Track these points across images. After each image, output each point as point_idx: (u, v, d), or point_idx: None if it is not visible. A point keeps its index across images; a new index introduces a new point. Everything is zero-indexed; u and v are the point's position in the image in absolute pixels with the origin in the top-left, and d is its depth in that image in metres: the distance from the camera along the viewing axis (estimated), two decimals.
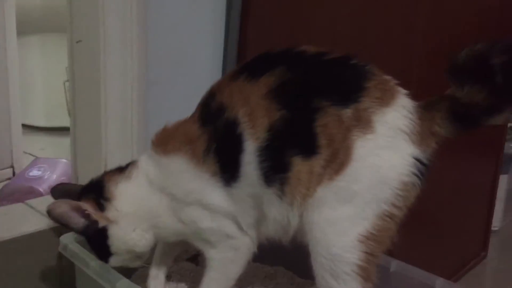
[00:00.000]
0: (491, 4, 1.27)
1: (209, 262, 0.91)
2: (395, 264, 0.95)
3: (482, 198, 1.62)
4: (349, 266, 0.78)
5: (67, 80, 1.20)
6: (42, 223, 1.08)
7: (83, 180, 1.25)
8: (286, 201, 0.81)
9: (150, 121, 1.23)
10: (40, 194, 1.43)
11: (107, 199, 0.89)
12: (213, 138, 0.83)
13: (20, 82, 1.82)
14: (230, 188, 0.83)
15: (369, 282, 0.80)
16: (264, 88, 0.80)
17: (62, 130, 2.17)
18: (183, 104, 1.28)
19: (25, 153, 1.94)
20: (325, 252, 0.79)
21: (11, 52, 1.75)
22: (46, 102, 2.49)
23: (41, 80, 2.48)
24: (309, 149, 0.78)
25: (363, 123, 0.77)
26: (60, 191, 0.95)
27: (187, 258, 1.14)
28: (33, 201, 1.18)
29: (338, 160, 0.77)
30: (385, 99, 0.79)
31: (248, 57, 1.36)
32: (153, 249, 0.95)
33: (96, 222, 0.87)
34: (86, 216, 0.87)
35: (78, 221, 0.87)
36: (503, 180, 1.80)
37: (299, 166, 0.79)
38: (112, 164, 1.20)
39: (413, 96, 0.81)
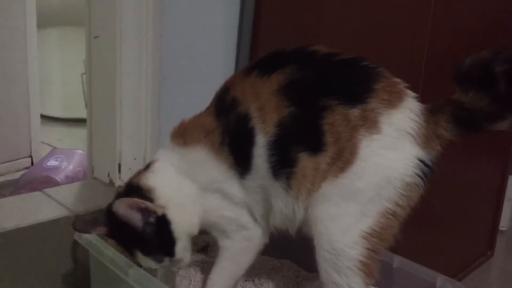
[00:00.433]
0: (497, 8, 1.27)
1: (222, 252, 0.94)
2: (398, 260, 0.97)
3: (490, 198, 1.63)
4: (351, 261, 0.80)
5: (85, 73, 1.24)
6: (58, 211, 1.11)
7: (98, 170, 1.29)
8: (292, 195, 0.84)
9: (163, 115, 1.26)
10: (57, 183, 1.48)
11: (149, 192, 0.88)
12: (227, 131, 0.86)
13: (39, 74, 1.86)
14: (244, 180, 0.87)
15: (371, 278, 0.82)
16: (275, 84, 0.82)
17: (79, 122, 2.22)
18: (196, 99, 1.31)
19: (43, 143, 1.99)
20: (329, 247, 0.81)
21: (31, 45, 1.79)
22: (64, 93, 2.54)
23: (59, 72, 2.53)
24: (315, 146, 0.80)
25: (370, 123, 0.79)
26: (81, 222, 0.91)
27: (196, 249, 1.17)
28: (50, 190, 1.22)
29: (344, 158, 0.80)
30: (393, 101, 0.80)
31: (260, 53, 1.40)
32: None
33: (154, 212, 0.86)
34: (144, 210, 0.85)
35: (137, 217, 0.85)
36: (511, 180, 1.80)
37: (305, 162, 0.81)
38: (126, 156, 1.24)
39: (419, 99, 0.83)
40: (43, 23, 2.24)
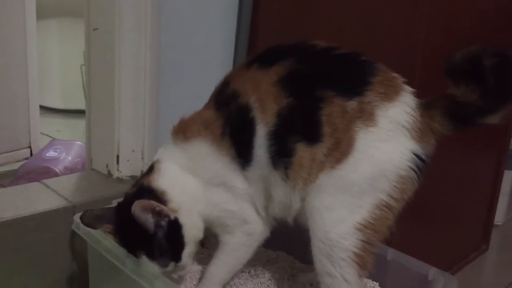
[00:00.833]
0: (492, 4, 1.28)
1: (223, 246, 0.96)
2: (391, 253, 0.98)
3: (485, 192, 1.64)
4: (345, 252, 0.82)
5: (84, 64, 1.25)
6: (56, 201, 1.12)
7: (97, 161, 1.30)
8: (290, 184, 0.85)
9: (161, 107, 1.27)
10: (55, 174, 1.49)
11: (162, 194, 0.88)
12: (228, 122, 0.87)
13: (38, 65, 1.86)
14: (246, 172, 0.88)
15: (365, 269, 0.84)
16: (274, 76, 0.84)
17: (78, 113, 2.23)
18: (194, 91, 1.33)
19: (43, 134, 2.00)
20: (323, 237, 0.82)
21: (30, 36, 1.79)
22: (63, 84, 2.54)
23: (58, 63, 2.53)
24: (313, 136, 0.82)
25: (366, 116, 0.81)
26: (89, 217, 0.91)
27: None
28: (48, 181, 1.22)
29: (340, 150, 0.81)
30: (389, 95, 0.82)
31: (259, 46, 1.40)
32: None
33: (167, 215, 0.85)
34: (158, 213, 0.84)
35: (151, 220, 0.84)
36: (508, 175, 1.81)
37: (302, 152, 0.82)
38: (124, 148, 1.25)
39: (416, 94, 0.84)
40: (42, 13, 2.24)
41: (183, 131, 0.91)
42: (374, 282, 1.02)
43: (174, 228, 0.87)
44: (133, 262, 0.88)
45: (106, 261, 0.92)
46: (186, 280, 1.04)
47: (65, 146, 1.57)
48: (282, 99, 0.83)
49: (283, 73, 0.84)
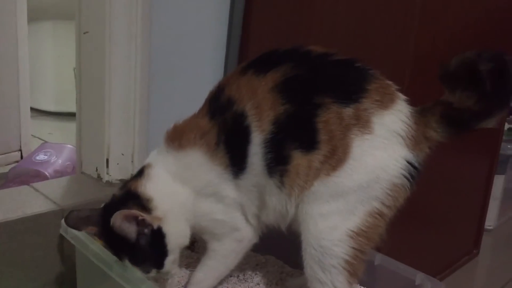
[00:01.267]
0: (482, 12, 1.29)
1: (211, 253, 0.95)
2: (379, 258, 0.98)
3: (476, 196, 1.64)
4: (336, 259, 0.82)
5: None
6: (45, 205, 1.11)
7: (87, 165, 1.30)
8: (285, 192, 0.85)
9: (152, 111, 1.27)
10: (45, 178, 1.48)
11: (148, 201, 0.87)
12: (223, 130, 0.86)
13: (31, 68, 1.86)
14: (239, 180, 0.87)
15: (355, 277, 0.84)
16: (271, 82, 0.83)
17: (71, 115, 2.22)
18: (185, 95, 1.33)
19: (34, 137, 1.99)
20: (315, 243, 0.82)
21: (21, 38, 1.78)
22: (56, 87, 2.54)
23: (51, 66, 2.52)
24: (309, 144, 0.82)
25: (362, 123, 0.81)
26: (74, 218, 0.90)
27: None
28: (38, 184, 1.22)
29: (336, 157, 0.81)
30: (385, 102, 0.82)
31: (250, 50, 1.41)
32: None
33: (150, 225, 0.85)
34: (140, 222, 0.84)
35: (132, 229, 0.84)
36: (500, 180, 1.83)
37: (299, 160, 0.82)
38: (114, 151, 1.25)
39: (409, 101, 0.85)
40: (36, 16, 2.24)
41: (179, 138, 0.90)
42: (362, 287, 1.02)
43: (157, 237, 0.86)
44: (120, 266, 0.87)
45: (94, 265, 0.92)
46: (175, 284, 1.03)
47: (56, 149, 1.57)
48: (279, 105, 0.82)
49: (280, 79, 0.83)
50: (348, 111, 0.81)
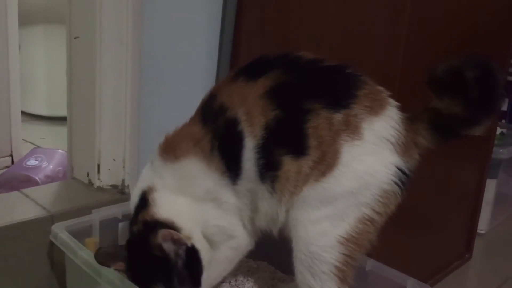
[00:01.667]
0: (472, 16, 1.29)
1: None
2: (370, 263, 0.98)
3: (468, 200, 1.65)
4: (326, 265, 0.82)
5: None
6: (35, 211, 1.10)
7: (78, 170, 1.29)
8: (276, 198, 0.85)
9: (143, 116, 1.26)
10: (36, 183, 1.47)
11: (172, 224, 0.86)
12: (216, 136, 0.86)
13: (24, 71, 1.85)
14: (236, 186, 0.87)
15: (345, 284, 0.84)
16: (261, 88, 0.84)
17: (63, 120, 2.21)
18: (176, 101, 1.33)
19: (26, 141, 1.98)
20: (305, 249, 0.82)
21: (12, 41, 1.77)
22: (48, 91, 2.52)
23: (44, 70, 2.51)
24: (299, 149, 0.82)
25: (352, 129, 0.81)
26: (102, 255, 0.87)
27: None
28: (28, 190, 1.21)
29: (326, 163, 0.81)
30: (375, 108, 0.82)
31: (242, 55, 1.41)
32: None
33: (185, 244, 0.84)
34: (176, 241, 0.82)
35: (171, 249, 0.82)
36: (492, 184, 1.83)
37: (289, 165, 0.82)
38: (105, 157, 1.24)
39: (399, 107, 0.85)
40: (28, 20, 2.23)
41: (173, 149, 0.89)
42: None
43: (192, 255, 0.85)
44: (109, 273, 0.87)
45: (84, 272, 0.92)
46: None
47: (47, 154, 1.56)
48: (269, 111, 0.82)
49: (270, 85, 0.83)
50: (338, 116, 0.80)
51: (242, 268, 1.13)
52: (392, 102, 0.85)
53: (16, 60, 1.80)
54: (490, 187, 1.82)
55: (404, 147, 0.82)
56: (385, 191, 0.81)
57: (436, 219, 1.50)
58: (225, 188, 0.88)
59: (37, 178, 1.49)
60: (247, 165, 0.85)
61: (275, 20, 1.34)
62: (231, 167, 0.86)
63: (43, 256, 1.09)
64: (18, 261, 1.06)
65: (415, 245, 1.42)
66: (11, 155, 1.78)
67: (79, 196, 1.21)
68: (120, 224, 1.08)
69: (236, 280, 1.09)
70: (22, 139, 1.90)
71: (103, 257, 0.86)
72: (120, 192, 1.25)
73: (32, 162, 1.53)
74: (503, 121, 2.24)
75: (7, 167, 1.72)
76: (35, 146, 1.82)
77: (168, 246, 0.81)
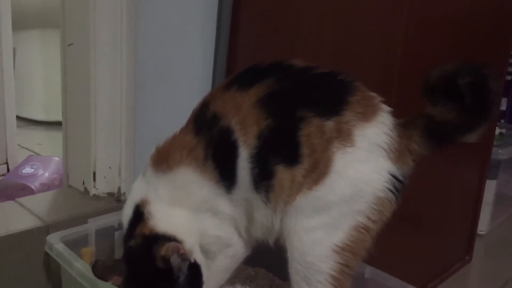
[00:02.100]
0: (470, 17, 1.29)
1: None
2: (369, 271, 0.97)
3: (468, 201, 1.64)
4: (322, 275, 0.81)
5: None
6: (30, 221, 1.09)
7: (74, 178, 1.28)
8: (270, 207, 0.84)
9: (138, 123, 1.25)
10: (32, 191, 1.46)
11: (174, 238, 0.84)
12: (210, 146, 0.85)
13: (20, 76, 1.83)
14: (231, 195, 0.86)
15: None
16: (254, 97, 0.83)
17: (60, 125, 2.20)
18: (173, 107, 1.32)
19: (22, 147, 1.97)
20: (301, 259, 0.81)
21: (5, 44, 1.75)
22: (45, 96, 2.51)
23: (40, 74, 2.50)
24: (292, 158, 0.81)
25: (344, 136, 0.80)
26: (100, 268, 0.84)
27: None
28: (23, 199, 1.20)
29: (318, 171, 0.80)
30: (367, 115, 0.81)
31: (238, 58, 1.39)
32: None
33: (189, 259, 0.82)
34: (181, 255, 0.80)
35: (176, 264, 0.80)
36: (491, 185, 1.82)
37: (282, 174, 0.81)
38: (101, 164, 1.23)
39: (393, 113, 0.84)
40: (23, 24, 2.22)
41: (165, 160, 0.87)
42: None
43: (194, 270, 0.83)
44: (105, 286, 0.86)
45: (79, 283, 0.91)
46: None
47: (42, 162, 1.55)
48: (262, 120, 0.81)
49: (263, 94, 0.82)
50: (330, 124, 0.80)
51: (240, 276, 1.12)
52: (385, 107, 0.84)
53: (10, 64, 1.78)
54: (490, 188, 1.82)
55: (398, 154, 0.81)
56: (380, 198, 0.80)
57: (436, 221, 1.49)
58: (221, 198, 0.87)
59: (32, 186, 1.48)
60: (241, 174, 0.84)
61: (271, 24, 1.33)
62: (226, 177, 0.85)
63: (39, 266, 1.08)
64: (15, 271, 1.05)
65: (415, 247, 1.41)
66: (7, 163, 1.76)
67: (75, 204, 1.20)
68: (116, 233, 1.07)
69: None
70: (19, 145, 1.88)
71: (101, 271, 0.84)
72: (116, 200, 1.24)
73: (27, 170, 1.52)
74: (502, 121, 2.23)
75: (3, 175, 1.71)
76: (31, 153, 1.81)
77: (174, 260, 0.79)
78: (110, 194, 1.25)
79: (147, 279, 0.81)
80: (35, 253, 1.07)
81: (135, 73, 1.22)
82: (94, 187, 1.24)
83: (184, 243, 0.84)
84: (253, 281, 1.12)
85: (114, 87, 1.19)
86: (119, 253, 1.02)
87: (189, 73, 1.38)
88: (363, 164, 0.80)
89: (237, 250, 0.93)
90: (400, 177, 0.81)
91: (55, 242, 0.98)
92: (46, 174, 1.52)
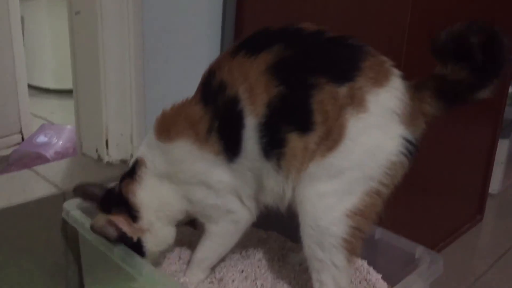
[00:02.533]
0: None
1: (208, 234, 0.96)
2: (379, 232, 0.98)
3: (480, 161, 1.64)
4: (335, 238, 0.82)
5: None
6: (47, 189, 1.12)
7: (87, 146, 1.30)
8: (282, 174, 0.84)
9: (148, 90, 1.26)
10: (47, 160, 1.49)
11: (136, 211, 0.91)
12: (216, 116, 0.85)
13: (30, 45, 1.83)
14: (233, 164, 0.87)
15: (354, 255, 0.84)
16: (263, 64, 0.81)
17: (72, 93, 2.22)
18: (181, 74, 1.32)
19: (36, 116, 1.99)
20: (314, 224, 0.82)
21: (13, 13, 1.75)
22: (56, 64, 2.52)
23: (50, 43, 2.50)
24: (304, 125, 0.80)
25: (357, 102, 0.79)
26: (81, 191, 0.98)
27: (185, 222, 1.19)
28: (38, 168, 1.22)
29: (331, 138, 0.80)
30: (379, 80, 0.80)
31: (245, 25, 1.38)
32: None
33: (131, 238, 0.89)
34: (119, 231, 0.89)
35: (112, 234, 0.88)
36: (504, 144, 1.81)
37: (295, 142, 0.81)
38: (113, 132, 1.25)
39: (404, 76, 0.83)
40: None
41: (168, 129, 0.89)
42: (363, 260, 1.03)
43: (136, 247, 0.90)
44: (121, 250, 0.88)
45: (96, 248, 0.93)
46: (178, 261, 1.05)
47: (56, 130, 1.57)
48: (273, 88, 0.81)
49: (272, 60, 0.81)
50: (343, 90, 0.79)
51: (252, 239, 1.14)
52: (397, 72, 0.83)
53: (19, 33, 1.77)
54: (503, 147, 1.81)
55: (411, 117, 0.81)
56: (393, 163, 0.80)
57: (447, 181, 1.49)
58: (218, 168, 0.87)
59: (47, 155, 1.50)
60: (248, 144, 0.84)
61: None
62: (230, 147, 0.86)
63: (57, 233, 1.11)
64: (34, 238, 1.08)
65: (426, 208, 1.42)
66: (21, 132, 1.78)
67: (89, 172, 1.23)
68: None
69: (246, 251, 1.10)
70: (32, 114, 1.90)
71: (81, 194, 0.98)
72: None
73: (41, 139, 1.54)
74: None
75: (18, 144, 1.73)
76: (45, 121, 1.82)
77: (108, 231, 0.88)
78: (123, 161, 1.26)
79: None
80: (53, 220, 1.09)
81: (143, 40, 1.21)
82: (107, 154, 1.25)
83: (141, 220, 0.90)
84: (266, 244, 1.14)
85: (122, 54, 1.19)
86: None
87: (197, 39, 1.37)
88: (377, 130, 0.80)
89: (240, 216, 0.94)
90: (413, 141, 0.81)
91: (72, 209, 1.01)
92: (60, 143, 1.54)
